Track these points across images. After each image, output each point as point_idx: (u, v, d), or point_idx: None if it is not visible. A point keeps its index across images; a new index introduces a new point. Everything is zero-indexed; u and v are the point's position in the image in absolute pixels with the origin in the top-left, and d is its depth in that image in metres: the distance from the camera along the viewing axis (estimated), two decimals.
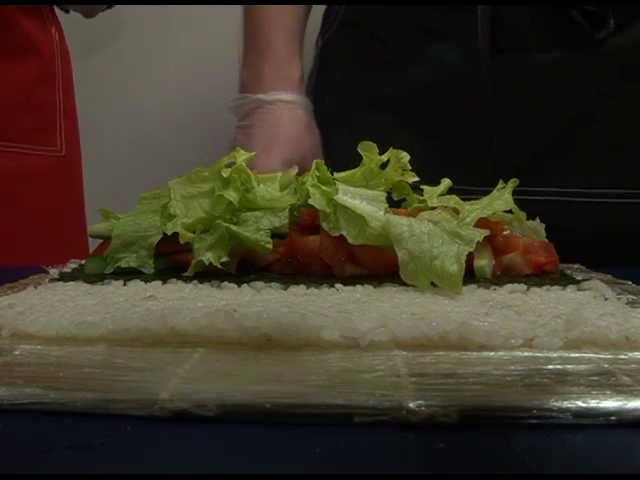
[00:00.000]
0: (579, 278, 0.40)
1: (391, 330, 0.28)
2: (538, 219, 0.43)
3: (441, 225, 0.37)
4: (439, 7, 0.66)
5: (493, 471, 0.19)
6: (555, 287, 0.37)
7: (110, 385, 0.24)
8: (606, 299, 0.36)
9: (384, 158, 0.43)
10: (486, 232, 0.37)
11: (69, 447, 0.20)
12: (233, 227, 0.39)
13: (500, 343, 0.28)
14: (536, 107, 0.62)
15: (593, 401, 0.22)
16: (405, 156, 0.43)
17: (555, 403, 0.22)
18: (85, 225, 0.79)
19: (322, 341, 0.28)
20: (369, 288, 0.36)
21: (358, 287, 0.36)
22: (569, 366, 0.26)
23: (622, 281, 0.43)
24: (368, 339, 0.28)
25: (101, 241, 0.45)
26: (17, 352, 0.28)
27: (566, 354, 0.27)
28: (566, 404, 0.22)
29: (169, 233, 0.41)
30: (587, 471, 0.19)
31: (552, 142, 0.62)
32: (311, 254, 0.40)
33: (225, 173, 0.40)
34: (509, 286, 0.37)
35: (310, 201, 0.40)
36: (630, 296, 0.37)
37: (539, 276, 0.40)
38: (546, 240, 0.43)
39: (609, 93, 0.59)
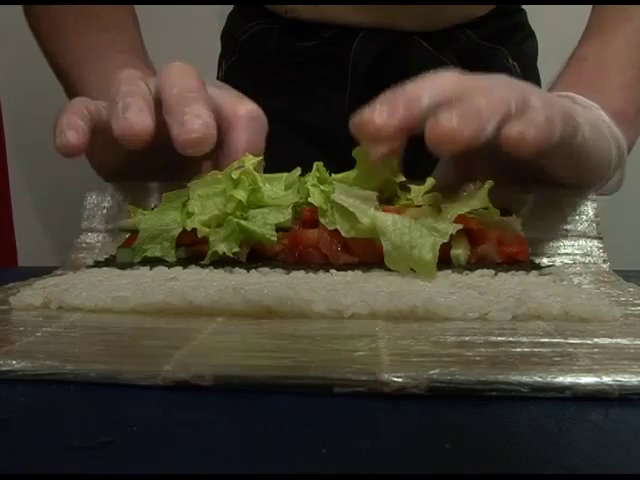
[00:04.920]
0: (545, 264, 0.46)
1: (369, 304, 0.34)
2: (514, 215, 0.49)
3: (421, 220, 0.42)
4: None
5: (459, 437, 0.22)
6: (520, 272, 0.43)
7: (120, 359, 0.28)
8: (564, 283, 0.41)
9: None
10: (459, 226, 0.42)
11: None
12: (243, 222, 0.45)
13: (459, 316, 0.34)
14: None
15: (550, 376, 0.25)
16: (394, 158, 0.49)
17: (514, 378, 0.25)
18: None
19: (312, 313, 0.34)
20: (358, 273, 0.42)
21: (349, 272, 0.42)
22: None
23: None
24: (350, 311, 0.34)
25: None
26: (62, 322, 0.34)
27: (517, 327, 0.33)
28: (525, 379, 0.25)
29: (188, 229, 0.47)
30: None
31: None
32: (311, 245, 0.46)
33: (235, 175, 0.46)
34: (479, 271, 0.42)
35: (310, 199, 0.46)
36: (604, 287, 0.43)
37: (510, 264, 0.46)
38: (521, 233, 0.49)
39: None
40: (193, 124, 0.45)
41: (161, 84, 0.49)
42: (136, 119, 0.45)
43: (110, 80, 0.49)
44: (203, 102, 0.47)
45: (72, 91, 0.66)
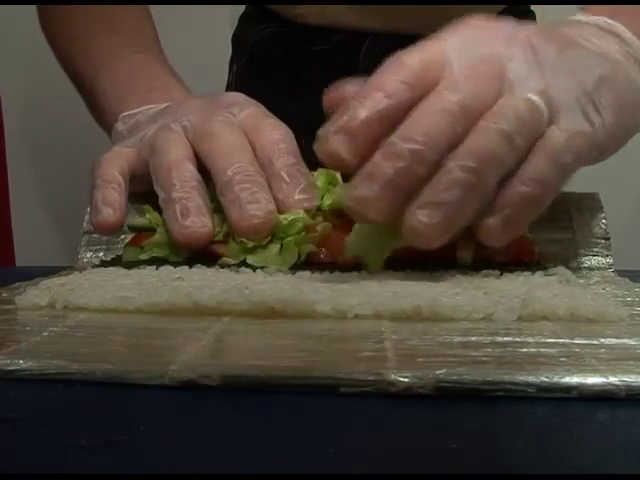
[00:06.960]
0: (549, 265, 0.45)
1: (373, 305, 0.34)
2: None
3: None
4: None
5: (465, 438, 0.22)
6: (526, 272, 0.43)
7: (127, 358, 0.28)
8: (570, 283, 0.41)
9: None
10: None
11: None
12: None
13: (464, 317, 0.34)
14: None
15: (556, 377, 0.25)
16: None
17: (521, 378, 0.25)
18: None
19: (316, 313, 0.34)
20: (363, 273, 0.42)
21: (354, 272, 0.42)
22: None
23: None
24: (354, 312, 0.34)
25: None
26: (69, 321, 0.34)
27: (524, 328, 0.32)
28: (531, 379, 0.25)
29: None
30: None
31: None
32: (318, 245, 0.46)
33: None
34: (484, 272, 0.42)
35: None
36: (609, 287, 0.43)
37: (516, 264, 0.45)
38: (528, 235, 0.49)
39: None
40: (252, 210, 0.45)
41: (210, 160, 0.48)
42: (197, 224, 0.46)
43: (160, 163, 0.49)
44: (259, 182, 0.46)
45: (89, 99, 0.66)
